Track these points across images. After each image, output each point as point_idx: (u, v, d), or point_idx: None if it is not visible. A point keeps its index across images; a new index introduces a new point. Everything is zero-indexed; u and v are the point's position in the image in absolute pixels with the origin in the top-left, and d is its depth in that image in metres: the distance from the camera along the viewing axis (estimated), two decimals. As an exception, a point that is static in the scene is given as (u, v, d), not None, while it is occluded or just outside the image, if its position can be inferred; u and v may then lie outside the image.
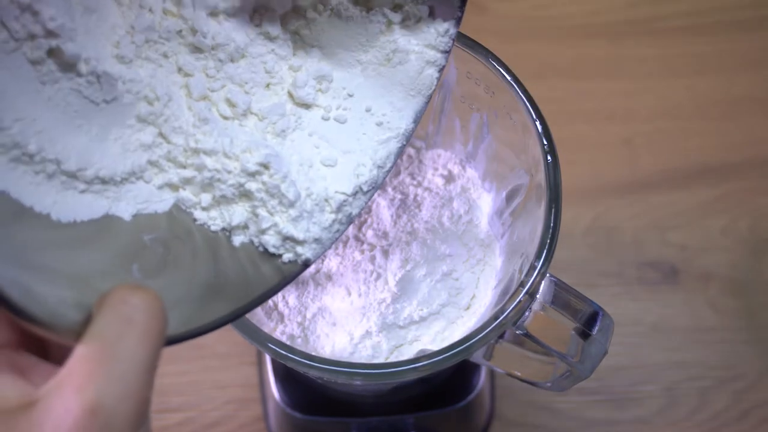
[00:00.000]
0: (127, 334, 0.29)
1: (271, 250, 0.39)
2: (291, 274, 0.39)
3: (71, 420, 0.27)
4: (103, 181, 0.36)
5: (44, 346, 0.32)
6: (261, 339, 0.41)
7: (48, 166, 0.34)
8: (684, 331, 0.67)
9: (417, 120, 0.42)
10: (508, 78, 0.45)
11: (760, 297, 0.68)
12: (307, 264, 0.39)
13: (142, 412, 0.29)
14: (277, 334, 0.48)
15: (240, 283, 0.38)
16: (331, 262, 0.49)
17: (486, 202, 0.52)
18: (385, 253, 0.49)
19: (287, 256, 0.39)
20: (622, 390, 0.65)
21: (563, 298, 0.43)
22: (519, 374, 0.48)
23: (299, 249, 0.39)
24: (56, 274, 0.32)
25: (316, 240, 0.39)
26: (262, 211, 0.38)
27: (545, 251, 0.42)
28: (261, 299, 0.38)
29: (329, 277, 0.49)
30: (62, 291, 0.31)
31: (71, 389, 0.27)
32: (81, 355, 0.28)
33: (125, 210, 0.37)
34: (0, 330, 0.30)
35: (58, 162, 0.34)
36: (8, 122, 0.32)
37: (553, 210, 0.43)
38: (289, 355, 0.41)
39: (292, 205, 0.38)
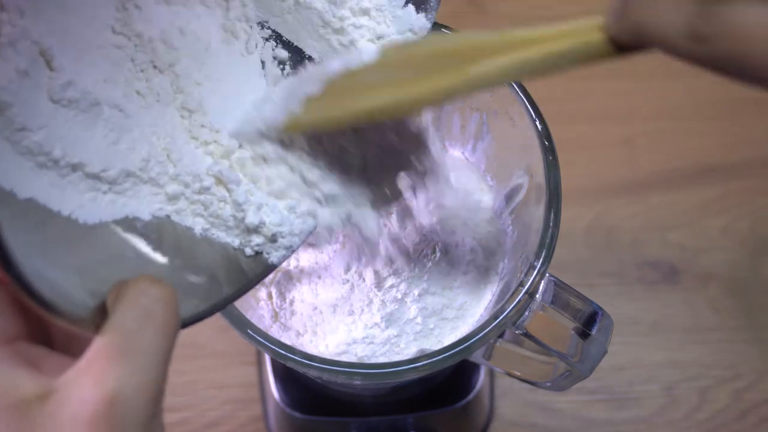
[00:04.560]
0: (146, 325, 0.29)
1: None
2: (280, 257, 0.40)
3: (89, 410, 0.27)
4: (127, 179, 0.37)
5: (49, 336, 0.32)
6: (260, 338, 0.41)
7: (73, 169, 0.35)
8: (684, 330, 0.67)
9: None
10: (508, 78, 0.45)
11: (759, 297, 0.68)
12: (292, 249, 0.40)
13: (157, 402, 0.29)
14: (275, 331, 0.48)
15: (232, 267, 0.39)
16: (336, 259, 0.49)
17: (488, 199, 0.52)
18: (390, 251, 0.49)
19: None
20: (621, 390, 0.65)
21: (563, 297, 0.43)
22: (519, 374, 0.48)
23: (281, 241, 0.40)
24: (73, 267, 0.32)
25: (292, 233, 0.40)
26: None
27: (545, 251, 0.42)
28: (256, 280, 0.39)
29: (334, 273, 0.49)
30: (78, 282, 0.31)
31: (90, 380, 0.28)
32: (100, 346, 0.28)
33: (145, 210, 0.37)
34: (13, 322, 0.30)
35: (82, 165, 0.35)
36: (34, 127, 0.33)
37: (552, 210, 0.43)
38: (289, 354, 0.41)
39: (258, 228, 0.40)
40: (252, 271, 0.39)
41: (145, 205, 0.37)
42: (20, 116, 0.33)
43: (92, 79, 0.36)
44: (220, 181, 0.39)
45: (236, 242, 0.39)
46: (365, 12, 0.41)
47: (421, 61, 0.35)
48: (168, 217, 0.38)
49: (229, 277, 0.38)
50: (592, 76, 0.75)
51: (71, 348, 0.31)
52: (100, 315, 0.30)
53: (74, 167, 0.35)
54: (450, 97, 0.35)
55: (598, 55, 0.30)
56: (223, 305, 0.37)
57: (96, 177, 0.36)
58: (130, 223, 0.37)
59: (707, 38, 0.26)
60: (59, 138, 0.34)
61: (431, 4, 0.42)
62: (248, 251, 0.39)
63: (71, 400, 0.28)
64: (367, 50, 0.38)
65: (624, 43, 0.29)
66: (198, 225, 0.39)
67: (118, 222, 0.36)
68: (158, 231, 0.37)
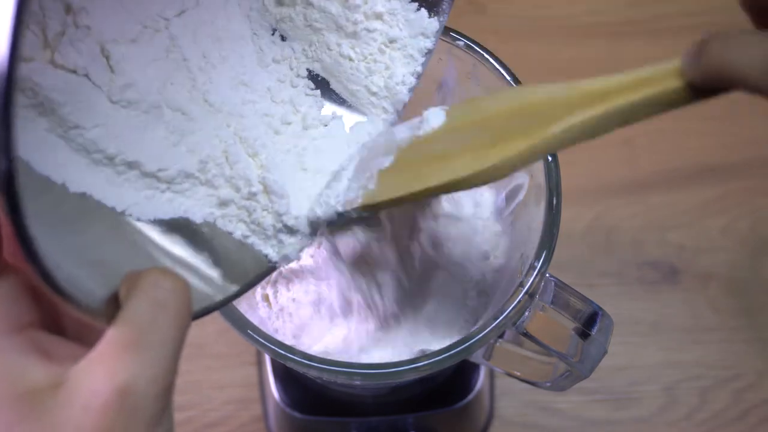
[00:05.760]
0: (159, 318, 0.29)
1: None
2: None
3: (101, 401, 0.27)
4: (186, 179, 0.37)
5: (61, 324, 0.32)
6: (260, 338, 0.41)
7: (129, 167, 0.35)
8: (684, 331, 0.67)
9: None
10: (508, 78, 0.45)
11: (760, 297, 0.68)
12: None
13: (168, 394, 0.29)
14: (274, 331, 0.48)
15: (240, 262, 0.39)
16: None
17: (488, 200, 0.52)
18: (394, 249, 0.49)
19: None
20: (621, 390, 0.65)
21: (563, 298, 0.43)
22: (519, 374, 0.48)
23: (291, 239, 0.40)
24: (97, 261, 0.33)
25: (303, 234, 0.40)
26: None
27: (545, 251, 0.42)
28: (262, 275, 0.39)
29: (332, 273, 0.49)
30: (96, 274, 0.32)
31: (102, 371, 0.28)
32: (113, 337, 0.28)
33: (198, 213, 0.38)
34: (27, 309, 0.30)
35: (138, 164, 0.35)
36: (88, 125, 0.34)
37: (552, 210, 0.43)
38: (289, 355, 0.41)
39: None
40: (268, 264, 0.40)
41: (199, 208, 0.38)
42: (73, 115, 0.34)
43: (155, 81, 0.37)
44: (267, 190, 0.39)
45: (269, 251, 0.39)
46: (378, 16, 0.41)
47: (493, 123, 0.34)
48: (214, 222, 0.38)
49: (243, 272, 0.39)
50: (592, 76, 0.75)
51: (84, 336, 0.31)
52: (113, 306, 0.30)
53: (130, 165, 0.35)
54: (529, 161, 0.33)
55: (677, 103, 0.29)
56: (233, 298, 0.38)
57: (153, 176, 0.36)
58: (177, 224, 0.37)
59: None
60: (115, 137, 0.35)
61: (443, 7, 0.42)
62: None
63: (82, 390, 0.28)
64: (433, 114, 0.37)
65: (704, 87, 0.29)
66: (239, 230, 0.39)
67: (166, 222, 0.36)
68: (201, 233, 0.38)
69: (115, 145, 0.35)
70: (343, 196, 0.39)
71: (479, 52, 0.46)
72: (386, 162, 0.37)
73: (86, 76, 0.35)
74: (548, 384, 0.47)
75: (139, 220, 0.35)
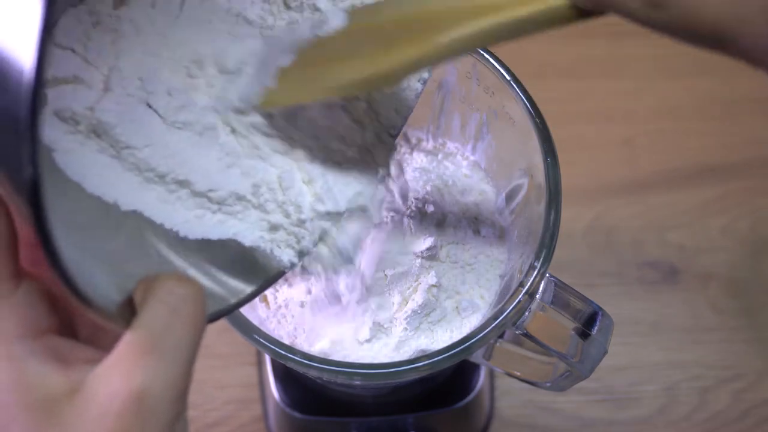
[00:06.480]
0: (174, 323, 0.29)
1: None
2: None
3: (117, 405, 0.28)
4: (238, 201, 0.37)
5: (74, 328, 0.33)
6: (260, 339, 0.41)
7: (180, 186, 0.35)
8: (684, 331, 0.67)
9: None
10: (508, 78, 0.45)
11: (760, 297, 0.68)
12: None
13: (183, 399, 0.29)
14: (274, 331, 0.48)
15: (254, 265, 0.39)
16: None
17: (489, 198, 0.52)
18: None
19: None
20: (621, 390, 0.65)
21: (563, 298, 0.43)
22: (519, 374, 0.48)
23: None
24: (116, 264, 0.33)
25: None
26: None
27: (545, 251, 0.42)
28: (275, 278, 0.39)
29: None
30: (113, 278, 0.32)
31: (119, 375, 0.28)
32: (129, 342, 0.29)
33: (248, 237, 0.38)
34: (43, 315, 0.31)
35: (189, 183, 0.36)
36: (139, 145, 0.34)
37: (552, 210, 0.43)
38: (289, 355, 0.41)
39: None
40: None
41: (249, 231, 0.38)
42: (124, 135, 0.34)
43: (210, 101, 0.37)
44: (317, 216, 0.39)
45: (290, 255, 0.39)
46: None
47: (390, 28, 0.35)
48: (264, 247, 0.38)
49: (260, 275, 0.39)
50: (592, 76, 0.75)
51: (97, 339, 0.32)
52: (128, 310, 0.30)
53: (181, 184, 0.36)
54: (422, 68, 0.35)
55: (562, 20, 0.31)
56: (247, 300, 0.38)
57: (204, 195, 0.36)
58: (226, 244, 0.37)
59: (662, 3, 0.27)
60: (167, 156, 0.35)
61: None
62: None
63: (99, 394, 0.28)
64: (335, 15, 0.37)
65: (586, 9, 0.31)
66: (286, 256, 0.38)
67: (221, 242, 0.37)
68: (245, 255, 0.38)
69: (167, 163, 0.35)
70: (245, 91, 0.37)
71: (479, 52, 0.46)
72: (287, 60, 0.37)
73: (146, 101, 0.35)
74: (548, 384, 0.47)
75: (187, 238, 0.36)
